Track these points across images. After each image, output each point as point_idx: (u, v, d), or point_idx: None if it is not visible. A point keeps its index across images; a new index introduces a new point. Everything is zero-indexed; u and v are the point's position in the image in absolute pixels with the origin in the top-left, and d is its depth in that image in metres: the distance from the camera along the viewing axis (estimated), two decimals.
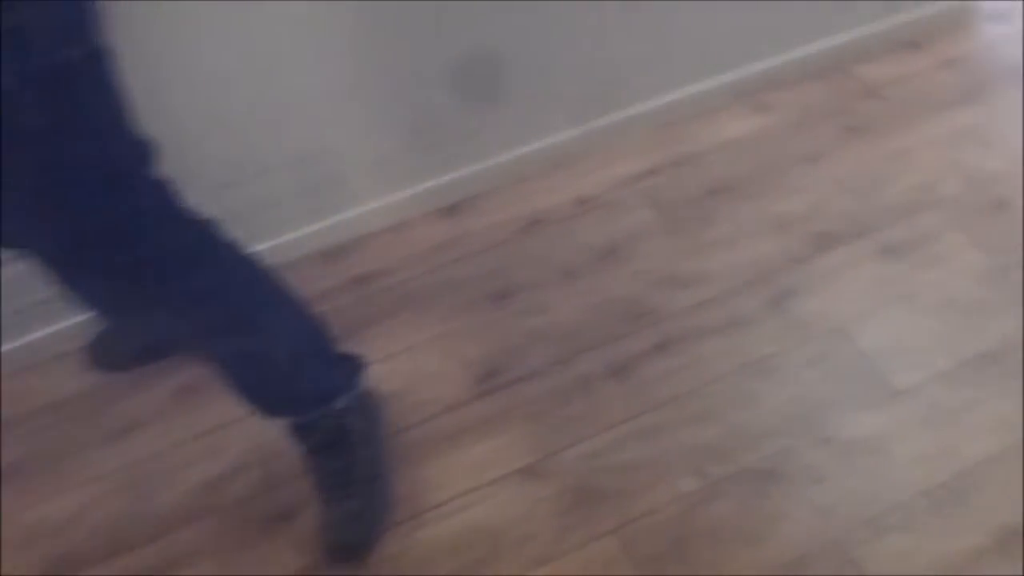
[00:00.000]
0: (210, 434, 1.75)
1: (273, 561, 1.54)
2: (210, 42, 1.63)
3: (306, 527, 1.56)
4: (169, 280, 1.22)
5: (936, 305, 1.77)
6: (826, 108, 2.22)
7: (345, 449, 1.53)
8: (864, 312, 1.77)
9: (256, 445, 1.72)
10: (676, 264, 1.90)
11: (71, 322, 1.87)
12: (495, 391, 1.73)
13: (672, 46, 2.09)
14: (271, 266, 1.39)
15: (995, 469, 1.50)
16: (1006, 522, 1.43)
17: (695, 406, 1.65)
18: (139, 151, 1.15)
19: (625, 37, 2.01)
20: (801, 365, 1.69)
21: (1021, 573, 1.36)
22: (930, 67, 2.32)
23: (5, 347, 1.84)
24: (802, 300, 1.80)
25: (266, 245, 1.97)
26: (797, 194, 2.02)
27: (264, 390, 1.45)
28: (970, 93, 2.23)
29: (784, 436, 1.59)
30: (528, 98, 2.01)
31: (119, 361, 1.83)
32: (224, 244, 1.30)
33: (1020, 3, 2.51)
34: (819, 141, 2.14)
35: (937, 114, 2.18)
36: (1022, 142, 2.07)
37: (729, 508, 1.51)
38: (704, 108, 2.24)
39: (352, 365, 1.56)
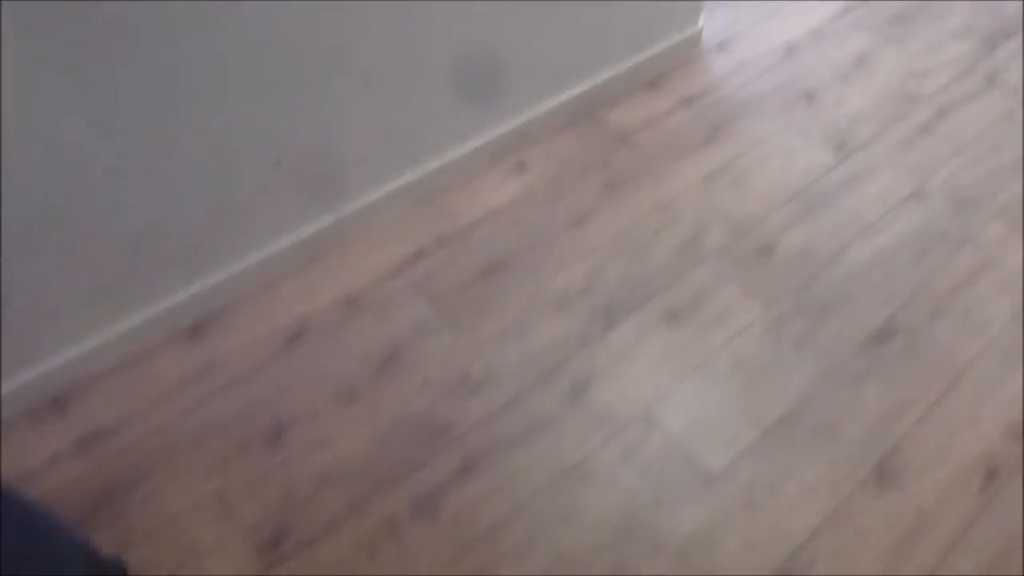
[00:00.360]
0: None
1: None
2: None
3: None
4: None
5: (728, 371, 1.76)
6: (583, 162, 2.17)
7: None
8: (663, 391, 1.72)
9: None
10: (464, 365, 1.76)
11: None
12: (287, 558, 1.50)
13: (419, 115, 1.93)
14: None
15: (821, 541, 1.51)
16: None
17: (516, 534, 1.52)
18: None
19: (369, 114, 1.82)
20: (615, 464, 1.61)
21: None
22: (671, 107, 2.35)
23: None
24: (600, 387, 1.73)
25: None
26: (572, 264, 1.94)
27: None
28: (712, 132, 2.28)
29: (615, 550, 1.50)
30: (269, 189, 1.76)
31: None
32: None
33: (739, 31, 2.61)
34: (582, 201, 2.08)
35: (687, 158, 2.20)
36: (767, 180, 2.14)
37: None
38: (461, 176, 2.11)
39: (115, 570, 1.27)
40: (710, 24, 2.63)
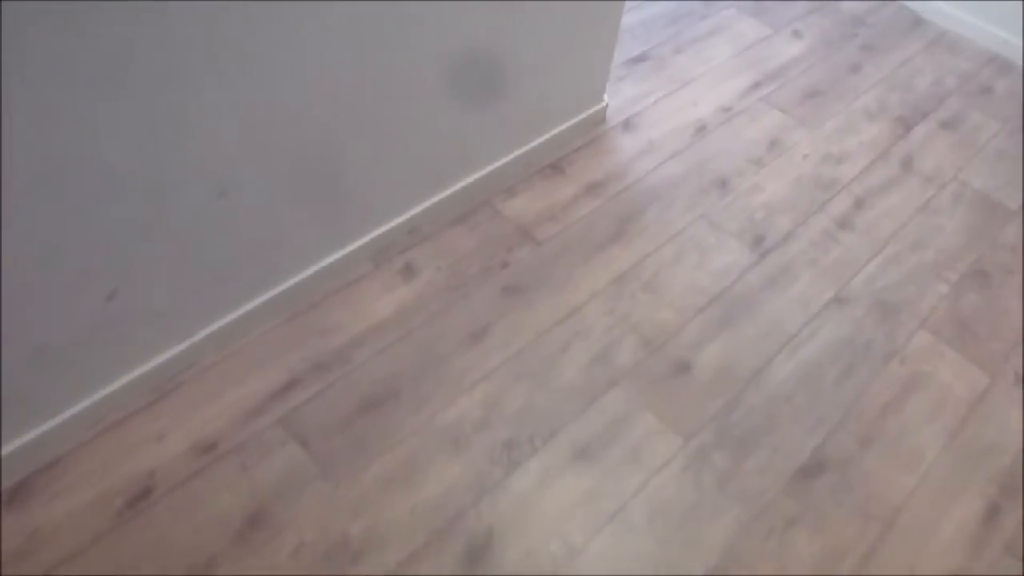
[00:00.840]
0: None
1: None
2: None
3: None
4: None
5: (647, 519, 1.62)
6: (479, 262, 2.02)
7: None
8: (575, 547, 1.57)
9: None
10: (343, 524, 1.56)
11: None
12: None
13: (289, 220, 1.74)
14: None
15: None
16: None
17: None
18: None
19: (227, 229, 1.61)
20: None
21: None
22: (575, 195, 2.22)
23: None
24: (503, 546, 1.56)
25: None
26: (468, 391, 1.78)
27: None
28: (620, 225, 2.16)
29: None
30: (102, 324, 1.53)
31: None
32: None
33: (646, 107, 2.52)
34: (479, 311, 1.92)
35: (594, 257, 2.07)
36: (681, 282, 2.03)
37: None
38: (341, 283, 1.93)
39: None
40: (615, 100, 2.54)
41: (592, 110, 2.39)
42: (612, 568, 1.55)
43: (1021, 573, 1.61)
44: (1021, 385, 1.93)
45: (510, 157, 2.20)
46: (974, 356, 1.99)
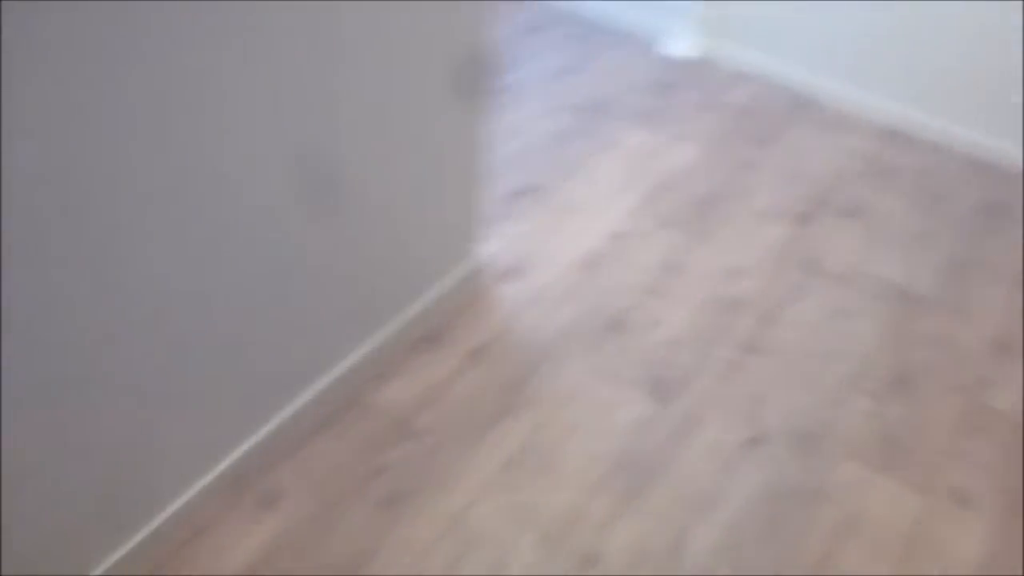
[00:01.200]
0: None
1: None
2: None
3: None
4: None
5: None
6: (351, 474, 1.82)
7: None
8: None
9: None
10: None
11: None
12: None
13: (112, 483, 1.54)
14: None
15: None
16: None
17: None
18: None
19: (25, 525, 1.41)
20: None
21: None
22: (456, 368, 2.05)
23: None
24: None
25: None
26: None
27: None
28: (507, 397, 1.98)
29: None
30: None
31: None
32: None
33: (529, 249, 2.37)
34: (355, 536, 1.72)
35: (481, 440, 1.89)
36: (578, 455, 1.84)
37: None
38: (193, 529, 1.72)
39: None
40: (495, 244, 2.39)
41: (465, 266, 2.23)
42: None
43: None
44: (956, 500, 1.74)
45: (375, 338, 2.02)
46: (905, 478, 1.82)
